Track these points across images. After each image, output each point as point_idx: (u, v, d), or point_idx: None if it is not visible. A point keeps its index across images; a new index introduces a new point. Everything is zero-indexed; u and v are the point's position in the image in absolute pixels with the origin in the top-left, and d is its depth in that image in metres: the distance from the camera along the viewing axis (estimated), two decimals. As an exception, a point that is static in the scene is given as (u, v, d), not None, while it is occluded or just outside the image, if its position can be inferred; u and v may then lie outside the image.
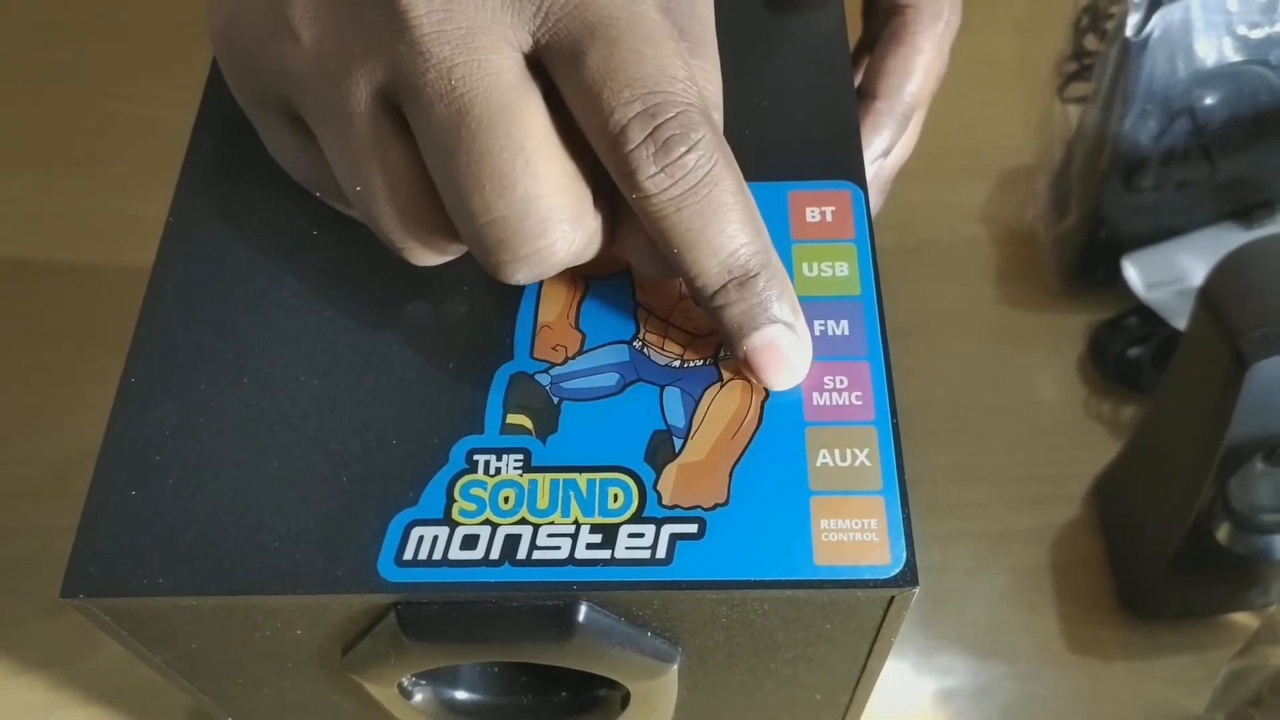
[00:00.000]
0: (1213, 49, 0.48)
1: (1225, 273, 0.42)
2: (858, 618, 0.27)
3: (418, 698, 0.31)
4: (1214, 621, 0.51)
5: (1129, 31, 0.47)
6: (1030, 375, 0.58)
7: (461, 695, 0.32)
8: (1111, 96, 0.50)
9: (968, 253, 0.62)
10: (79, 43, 0.72)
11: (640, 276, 0.30)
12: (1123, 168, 0.52)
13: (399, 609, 0.26)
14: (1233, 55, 0.48)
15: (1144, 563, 0.50)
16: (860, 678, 0.31)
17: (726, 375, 0.28)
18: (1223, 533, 0.46)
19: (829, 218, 0.31)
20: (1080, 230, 0.56)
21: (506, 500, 0.27)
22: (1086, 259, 0.57)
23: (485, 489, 0.27)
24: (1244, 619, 0.51)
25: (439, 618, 0.26)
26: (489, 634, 0.26)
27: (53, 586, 0.57)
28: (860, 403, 0.28)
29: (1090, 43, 0.52)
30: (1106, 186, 0.53)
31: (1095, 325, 0.58)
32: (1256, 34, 0.48)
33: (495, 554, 0.26)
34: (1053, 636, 0.51)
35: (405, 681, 0.30)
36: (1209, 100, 0.50)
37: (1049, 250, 0.59)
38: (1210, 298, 0.42)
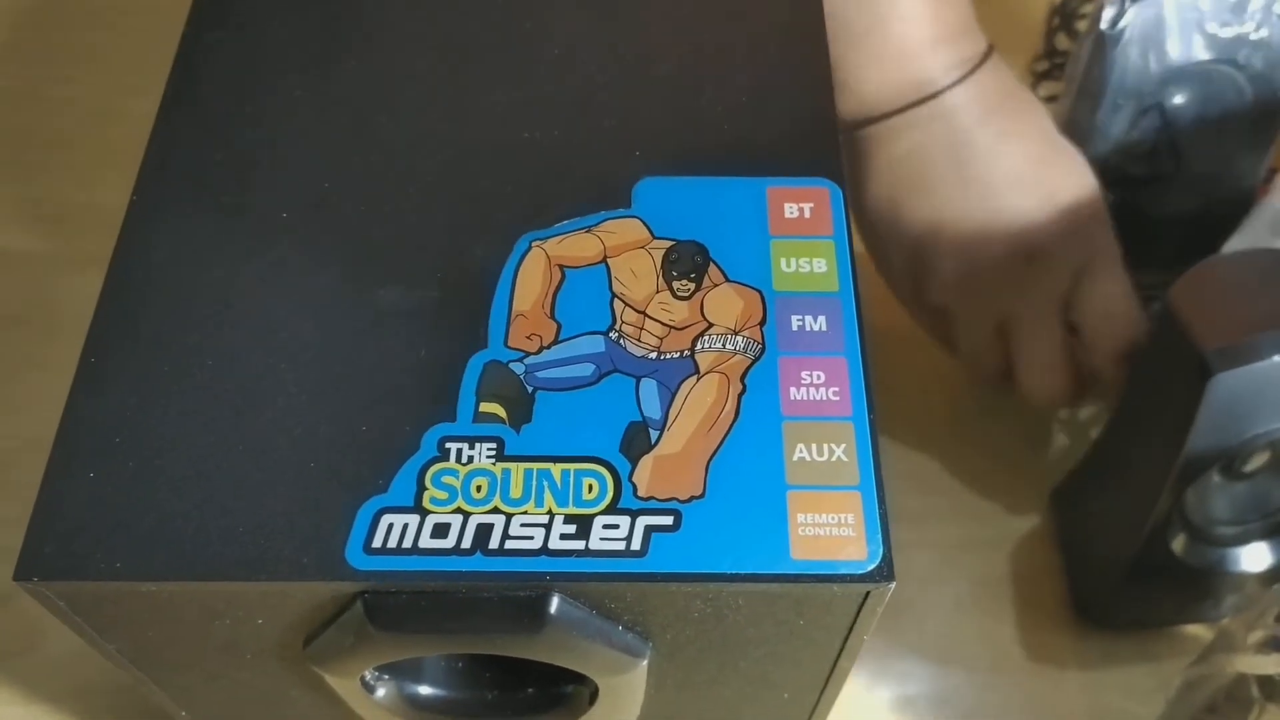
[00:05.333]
0: (1184, 46, 0.49)
1: (1190, 285, 0.43)
2: (832, 613, 0.27)
3: (380, 692, 0.30)
4: (1167, 632, 0.51)
5: (1104, 25, 0.48)
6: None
7: (425, 690, 0.31)
8: (1083, 90, 0.50)
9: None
10: (29, 27, 0.71)
11: (618, 268, 0.30)
12: (1091, 161, 0.53)
13: (366, 598, 0.26)
14: (1203, 53, 0.49)
15: (1099, 573, 0.50)
16: (830, 676, 0.31)
17: (703, 367, 0.28)
18: (1178, 544, 0.47)
19: (807, 214, 0.31)
20: None
21: (479, 489, 0.26)
22: None
23: (457, 477, 0.27)
24: (1197, 630, 0.51)
25: (407, 607, 0.26)
26: (458, 625, 0.26)
27: (-6, 577, 0.55)
28: (838, 398, 0.28)
29: (1061, 41, 0.52)
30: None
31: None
32: (1226, 33, 0.49)
33: (467, 543, 0.26)
34: (1010, 645, 0.51)
35: (368, 675, 0.30)
36: (1179, 97, 0.50)
37: None
38: (1175, 309, 0.42)
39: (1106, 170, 0.53)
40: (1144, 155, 0.53)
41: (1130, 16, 0.48)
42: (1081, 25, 0.50)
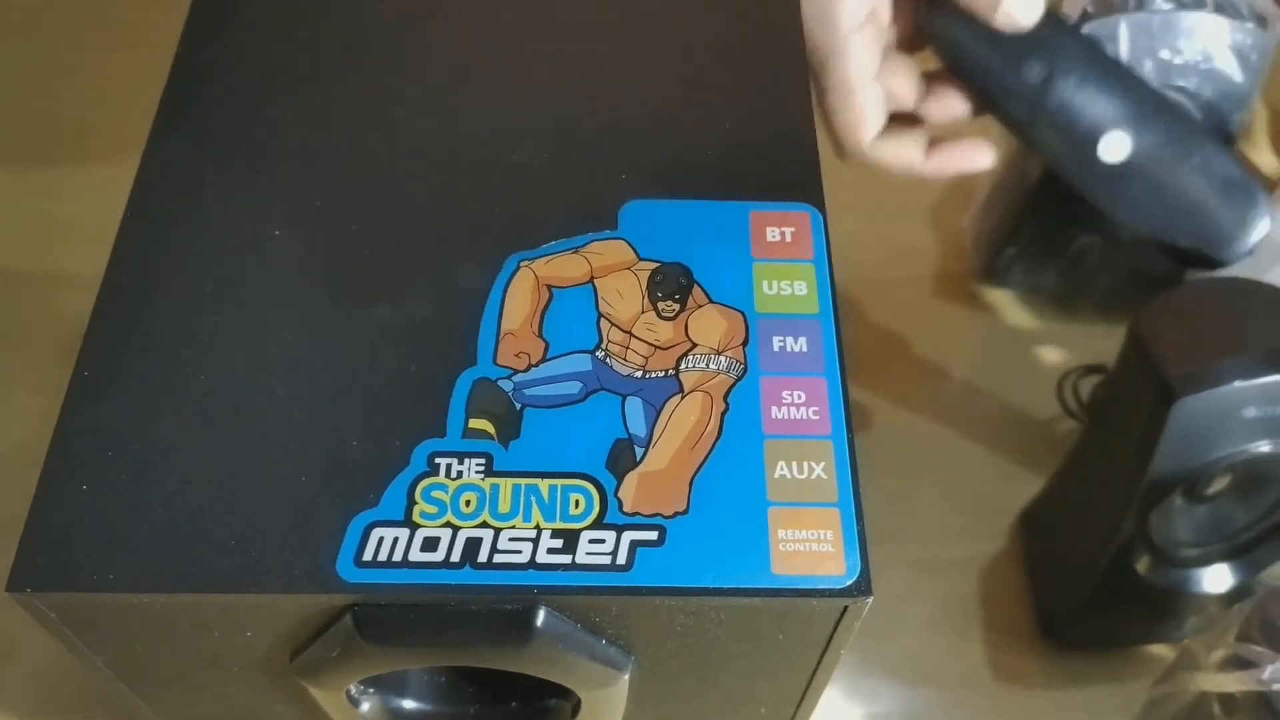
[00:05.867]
0: (1133, 68, 0.51)
1: (1155, 313, 0.44)
2: (811, 627, 0.27)
3: (364, 706, 0.31)
4: (1131, 653, 0.53)
5: None
6: (960, 407, 0.59)
7: (408, 704, 0.31)
8: None
9: (905, 290, 0.63)
10: (7, 41, 0.71)
11: (604, 289, 0.31)
12: (1047, 173, 0.54)
13: (355, 610, 0.26)
14: (1152, 77, 0.51)
15: (1066, 594, 0.51)
16: (806, 691, 0.31)
17: (687, 386, 0.29)
18: (1143, 565, 0.48)
19: (788, 238, 0.31)
20: (1000, 231, 0.58)
21: (468, 503, 0.27)
22: (1002, 257, 0.59)
23: (447, 492, 0.27)
24: (1160, 651, 0.52)
25: (395, 620, 0.26)
26: (446, 637, 0.26)
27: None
28: (817, 417, 0.29)
29: None
30: (1030, 190, 0.55)
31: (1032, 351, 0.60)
32: (1176, 60, 0.51)
33: (456, 556, 0.26)
34: (979, 664, 0.52)
35: (353, 688, 0.30)
36: None
37: (971, 250, 0.61)
38: (1140, 336, 0.43)
39: (1054, 182, 0.55)
40: None
41: (1086, 32, 0.50)
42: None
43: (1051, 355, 0.61)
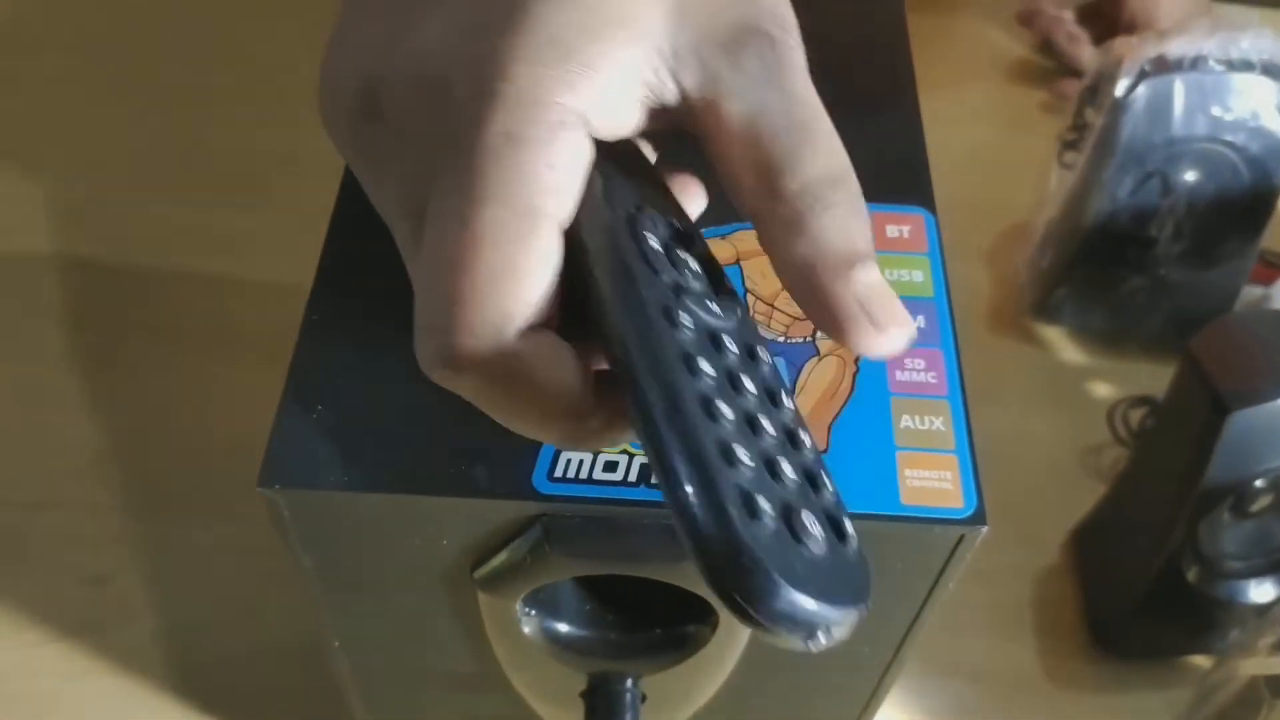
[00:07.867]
0: (1187, 122, 0.56)
1: (1209, 337, 0.49)
2: (929, 554, 0.32)
3: (526, 628, 0.35)
4: (1176, 663, 0.56)
5: (1118, 92, 0.55)
6: (1013, 433, 0.63)
7: (563, 627, 0.36)
8: (1097, 149, 0.57)
9: (962, 324, 0.68)
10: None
11: (749, 269, 0.35)
12: (1095, 215, 0.59)
13: (545, 519, 0.31)
14: (1204, 131, 0.56)
15: (1118, 601, 0.55)
16: (910, 629, 0.35)
17: (823, 351, 0.34)
18: (1192, 574, 0.52)
19: (905, 234, 0.36)
20: (1054, 272, 0.63)
21: (641, 435, 0.31)
22: (1054, 296, 0.64)
23: (623, 425, 0.32)
24: (1202, 661, 0.56)
25: (579, 529, 0.31)
26: (621, 548, 0.31)
27: (92, 560, 0.60)
28: (935, 381, 0.33)
29: (1089, 115, 0.59)
30: (1085, 234, 0.60)
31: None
32: (1228, 116, 0.56)
33: (633, 477, 0.31)
34: (1031, 666, 0.56)
35: (518, 609, 0.34)
36: (1180, 168, 0.57)
37: (1024, 289, 0.66)
38: (1196, 357, 0.48)
39: (1107, 226, 0.60)
40: (1144, 218, 0.59)
41: (1142, 89, 0.56)
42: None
43: (1099, 388, 0.65)
